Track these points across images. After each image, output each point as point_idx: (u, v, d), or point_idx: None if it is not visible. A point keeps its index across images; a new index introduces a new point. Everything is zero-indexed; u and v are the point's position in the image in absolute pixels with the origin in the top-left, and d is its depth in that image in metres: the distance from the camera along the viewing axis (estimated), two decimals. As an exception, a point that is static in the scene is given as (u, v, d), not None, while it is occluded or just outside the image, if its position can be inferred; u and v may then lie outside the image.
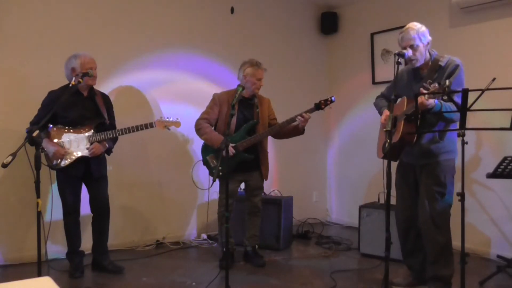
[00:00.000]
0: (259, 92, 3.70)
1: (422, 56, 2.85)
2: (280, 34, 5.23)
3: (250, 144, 3.57)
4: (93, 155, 3.28)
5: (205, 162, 3.67)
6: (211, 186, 3.71)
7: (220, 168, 3.32)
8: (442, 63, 2.82)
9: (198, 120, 3.67)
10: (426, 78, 2.76)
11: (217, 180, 3.63)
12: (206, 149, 3.66)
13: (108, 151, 3.45)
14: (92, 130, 3.31)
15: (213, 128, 3.66)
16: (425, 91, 2.49)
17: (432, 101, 2.56)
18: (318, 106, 3.55)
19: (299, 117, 3.50)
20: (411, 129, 2.72)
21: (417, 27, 2.84)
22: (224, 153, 3.01)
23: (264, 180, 3.78)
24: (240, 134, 3.58)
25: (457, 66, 2.77)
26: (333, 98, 3.55)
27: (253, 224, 3.80)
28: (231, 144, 3.48)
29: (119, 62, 4.15)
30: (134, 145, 4.15)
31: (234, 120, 3.54)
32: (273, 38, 5.17)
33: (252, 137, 3.57)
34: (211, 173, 3.68)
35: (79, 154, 3.26)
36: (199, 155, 3.80)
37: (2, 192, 3.60)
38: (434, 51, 2.92)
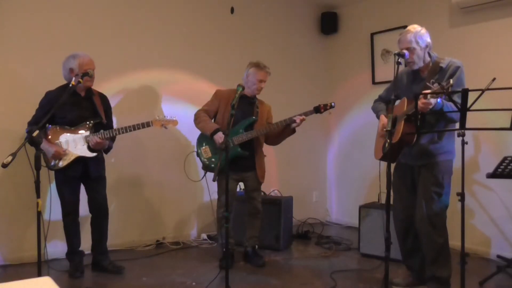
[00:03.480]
0: (259, 93, 3.70)
1: (419, 58, 2.85)
2: (280, 34, 5.23)
3: (245, 139, 3.55)
4: (96, 147, 3.26)
5: (198, 154, 3.67)
6: (203, 178, 3.74)
7: (213, 161, 3.28)
8: (443, 65, 2.82)
9: (198, 111, 3.70)
10: (426, 80, 2.76)
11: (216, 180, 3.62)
12: (200, 141, 3.66)
13: (108, 150, 3.45)
14: (89, 130, 3.31)
15: (212, 120, 3.68)
16: (427, 91, 2.50)
17: (434, 100, 2.56)
18: (318, 110, 3.57)
19: (296, 119, 3.50)
20: (411, 129, 2.72)
21: (415, 30, 2.83)
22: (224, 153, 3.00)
23: (261, 182, 3.76)
24: (236, 129, 3.56)
25: (458, 67, 2.78)
26: (333, 104, 3.57)
27: (252, 226, 3.79)
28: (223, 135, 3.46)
29: (119, 62, 4.14)
30: (134, 145, 4.15)
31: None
32: (273, 38, 5.17)
33: (248, 133, 3.56)
34: (203, 166, 3.67)
35: (77, 154, 3.26)
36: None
37: (2, 192, 3.60)
38: (434, 54, 2.92)
